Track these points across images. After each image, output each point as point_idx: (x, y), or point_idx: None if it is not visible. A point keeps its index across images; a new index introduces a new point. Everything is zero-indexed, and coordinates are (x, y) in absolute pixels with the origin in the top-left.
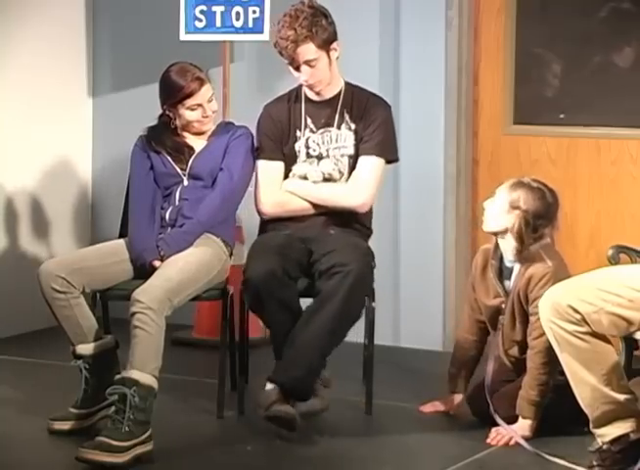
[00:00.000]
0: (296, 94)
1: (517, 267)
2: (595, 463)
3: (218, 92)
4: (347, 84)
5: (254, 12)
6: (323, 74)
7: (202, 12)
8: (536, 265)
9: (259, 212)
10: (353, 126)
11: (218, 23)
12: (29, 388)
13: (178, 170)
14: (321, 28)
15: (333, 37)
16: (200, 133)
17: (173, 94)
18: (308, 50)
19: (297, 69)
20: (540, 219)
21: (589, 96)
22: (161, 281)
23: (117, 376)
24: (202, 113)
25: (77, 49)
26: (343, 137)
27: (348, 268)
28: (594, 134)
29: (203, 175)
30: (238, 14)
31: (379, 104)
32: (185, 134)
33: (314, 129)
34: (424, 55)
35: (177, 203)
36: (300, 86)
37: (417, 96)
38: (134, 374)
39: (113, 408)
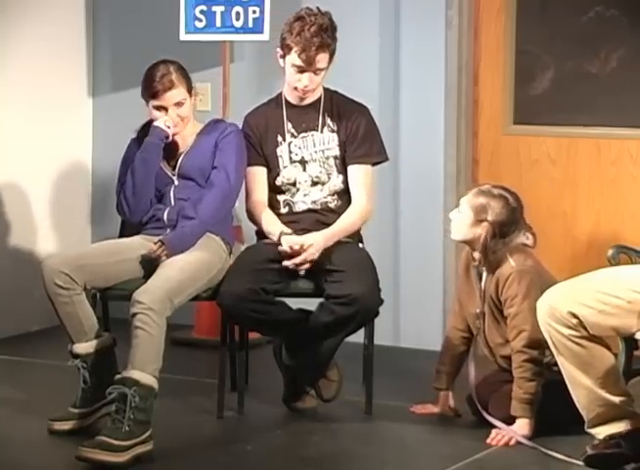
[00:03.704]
0: (276, 101)
1: (484, 273)
2: (588, 450)
3: (218, 92)
4: (326, 89)
5: (254, 12)
6: (319, 83)
7: (202, 12)
8: (501, 268)
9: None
10: (335, 128)
11: (218, 23)
12: (29, 388)
13: (168, 172)
14: (335, 42)
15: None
16: (174, 134)
17: (143, 90)
18: (324, 59)
19: (301, 72)
20: (507, 226)
21: (589, 96)
22: (162, 282)
23: (118, 376)
24: (166, 116)
25: (77, 49)
26: (327, 139)
27: (363, 306)
28: (594, 134)
29: (192, 175)
30: (238, 14)
31: (357, 107)
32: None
33: (295, 134)
34: (424, 55)
35: (173, 203)
36: (280, 93)
37: (417, 96)
38: (135, 374)
39: (113, 407)
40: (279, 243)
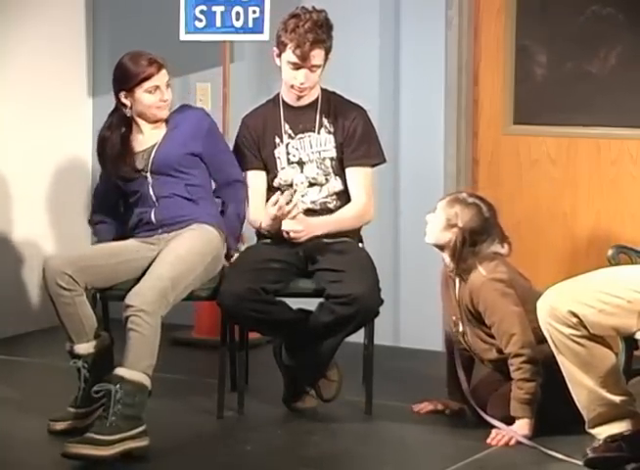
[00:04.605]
0: (273, 102)
1: (457, 282)
2: (589, 452)
3: (218, 92)
4: (324, 90)
5: (254, 12)
6: (315, 81)
7: (202, 12)
8: (471, 278)
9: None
10: (332, 129)
11: (218, 23)
12: (28, 388)
13: (140, 171)
14: (330, 40)
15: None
16: (155, 121)
17: (131, 78)
18: (319, 55)
19: (297, 69)
20: (477, 235)
21: (589, 96)
22: (153, 281)
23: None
24: (160, 96)
25: (77, 49)
26: (324, 141)
27: (363, 306)
28: (594, 134)
29: (165, 170)
30: (238, 14)
31: (355, 108)
32: (140, 127)
33: (293, 135)
34: (424, 55)
35: (157, 203)
36: (278, 95)
37: (417, 96)
38: (120, 371)
39: (104, 409)
40: (269, 231)
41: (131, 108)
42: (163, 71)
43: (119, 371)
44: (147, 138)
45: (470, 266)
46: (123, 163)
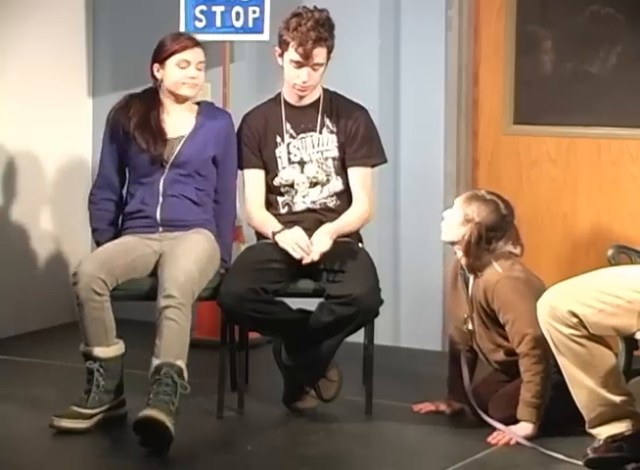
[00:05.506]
0: (274, 101)
1: (471, 278)
2: (589, 452)
3: (218, 92)
4: (325, 90)
5: (254, 12)
6: (317, 80)
7: (202, 12)
8: (486, 275)
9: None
10: (335, 129)
11: (218, 24)
12: (30, 388)
13: (163, 158)
14: (332, 38)
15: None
16: (183, 101)
17: (165, 49)
18: (321, 54)
19: (300, 67)
20: (493, 231)
21: (589, 96)
22: (184, 274)
23: (166, 361)
24: (188, 73)
25: (77, 49)
26: (326, 140)
27: (363, 306)
28: (594, 134)
29: (187, 166)
30: (238, 14)
31: (357, 108)
32: (167, 109)
33: (294, 135)
34: (424, 55)
35: (161, 199)
36: (279, 94)
37: (417, 96)
38: (181, 364)
39: (155, 386)
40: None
41: (162, 83)
42: (198, 50)
43: (181, 363)
44: (173, 125)
45: (484, 263)
46: (154, 144)
